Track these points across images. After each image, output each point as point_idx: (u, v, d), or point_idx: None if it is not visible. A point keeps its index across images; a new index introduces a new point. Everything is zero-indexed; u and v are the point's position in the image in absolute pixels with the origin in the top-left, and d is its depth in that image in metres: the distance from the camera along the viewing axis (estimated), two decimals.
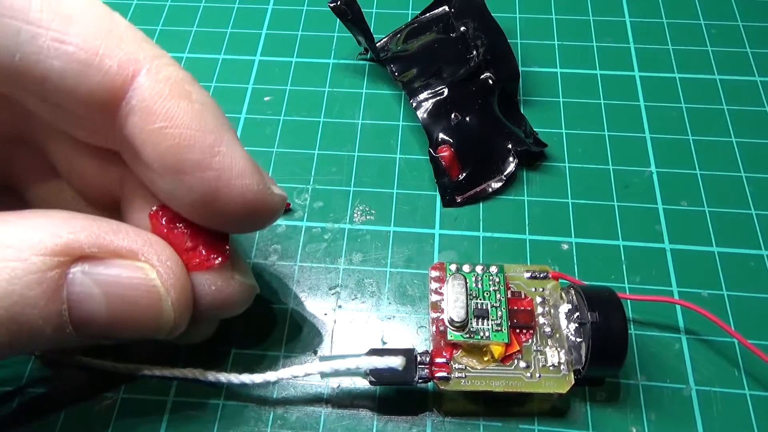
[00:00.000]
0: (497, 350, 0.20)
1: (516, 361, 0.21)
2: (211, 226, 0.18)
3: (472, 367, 0.21)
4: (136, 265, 0.16)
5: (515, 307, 0.22)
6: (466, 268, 0.22)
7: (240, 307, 0.20)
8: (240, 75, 0.31)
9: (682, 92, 0.30)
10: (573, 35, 0.32)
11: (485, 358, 0.21)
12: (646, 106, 0.29)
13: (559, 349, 0.21)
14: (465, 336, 0.21)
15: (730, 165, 0.27)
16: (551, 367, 0.21)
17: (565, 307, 0.21)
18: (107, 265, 0.16)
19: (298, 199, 0.27)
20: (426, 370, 0.20)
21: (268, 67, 0.31)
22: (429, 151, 0.27)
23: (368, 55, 0.31)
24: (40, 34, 0.15)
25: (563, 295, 0.22)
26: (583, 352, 0.20)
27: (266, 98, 0.30)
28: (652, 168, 0.27)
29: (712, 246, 0.25)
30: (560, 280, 0.22)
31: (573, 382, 0.20)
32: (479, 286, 0.22)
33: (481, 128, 0.27)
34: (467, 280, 0.22)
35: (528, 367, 0.21)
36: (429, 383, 0.21)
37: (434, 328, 0.21)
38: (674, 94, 0.30)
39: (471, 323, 0.21)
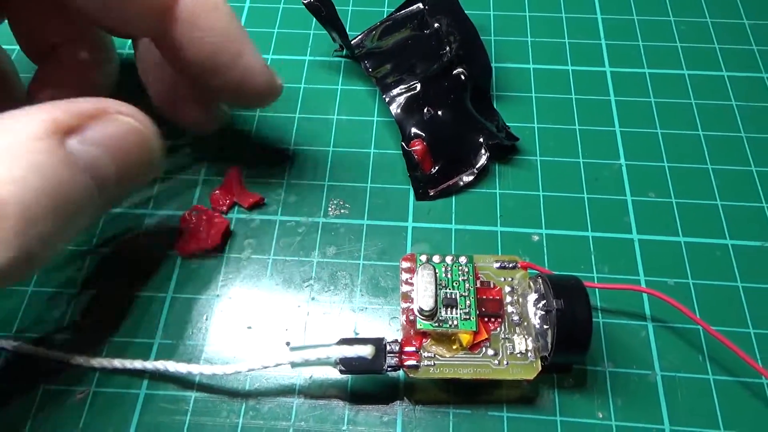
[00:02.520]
0: (465, 338, 0.21)
1: (484, 349, 0.21)
2: (227, 101, 0.26)
3: (440, 356, 0.21)
4: (115, 119, 0.19)
5: (484, 297, 0.22)
6: (436, 258, 0.22)
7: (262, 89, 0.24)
8: None
9: (652, 87, 0.30)
10: (546, 32, 0.33)
11: (454, 347, 0.21)
12: (617, 101, 0.30)
13: (526, 336, 0.21)
14: (434, 325, 0.21)
15: (697, 157, 0.28)
16: (518, 355, 0.21)
17: (533, 296, 0.22)
18: (93, 128, 0.19)
19: (273, 194, 0.27)
20: (395, 359, 0.21)
21: None
22: (402, 145, 0.27)
23: (344, 52, 0.31)
24: None
25: (531, 284, 0.22)
26: (549, 339, 0.21)
27: None
28: (622, 161, 0.28)
29: (679, 236, 0.26)
30: (529, 270, 0.23)
31: (540, 368, 0.21)
32: (449, 276, 0.22)
33: (453, 122, 0.27)
34: (437, 270, 0.22)
35: (496, 354, 0.21)
36: (400, 372, 0.22)
37: (404, 317, 0.22)
38: (644, 88, 0.30)
39: (440, 312, 0.21)
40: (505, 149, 0.28)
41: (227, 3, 0.22)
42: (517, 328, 0.21)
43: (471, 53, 0.28)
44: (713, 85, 0.30)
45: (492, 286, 0.22)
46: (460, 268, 0.22)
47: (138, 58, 0.26)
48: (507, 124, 0.29)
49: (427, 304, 0.21)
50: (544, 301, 0.21)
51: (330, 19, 0.28)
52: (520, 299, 0.22)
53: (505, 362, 0.21)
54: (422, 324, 0.21)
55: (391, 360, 0.21)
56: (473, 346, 0.21)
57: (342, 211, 0.27)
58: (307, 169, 0.28)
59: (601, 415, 0.22)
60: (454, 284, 0.22)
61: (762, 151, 0.28)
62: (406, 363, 0.21)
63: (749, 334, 0.23)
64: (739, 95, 0.30)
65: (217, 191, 0.27)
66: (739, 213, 0.26)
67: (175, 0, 0.21)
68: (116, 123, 0.19)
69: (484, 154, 0.27)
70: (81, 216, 0.18)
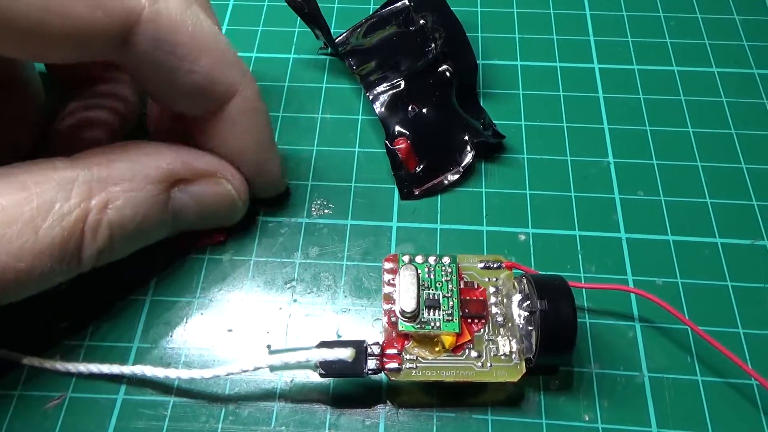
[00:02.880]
0: (448, 340, 0.20)
1: (467, 350, 0.21)
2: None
3: (423, 358, 0.20)
4: (216, 181, 0.22)
5: (467, 297, 0.21)
6: (419, 259, 0.22)
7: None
8: None
9: (641, 84, 0.30)
10: (534, 29, 0.32)
11: (436, 349, 0.21)
12: (605, 98, 0.30)
13: (511, 338, 0.21)
14: (416, 326, 0.20)
15: (686, 155, 0.28)
16: (503, 356, 0.21)
17: (517, 297, 0.21)
18: (197, 184, 0.22)
19: None
20: (376, 362, 0.20)
21: None
22: (386, 144, 0.26)
23: (328, 50, 0.31)
24: (181, 65, 0.20)
25: (516, 284, 0.22)
26: (533, 340, 0.20)
27: None
28: (610, 158, 0.28)
29: (668, 235, 0.25)
30: (514, 270, 0.22)
31: (524, 370, 0.20)
32: (431, 276, 0.22)
33: (438, 120, 0.27)
34: (419, 271, 0.21)
35: (479, 356, 0.20)
36: (382, 375, 0.21)
37: (386, 319, 0.21)
38: (633, 85, 0.30)
39: (422, 314, 0.21)
40: (492, 147, 0.27)
41: (268, 111, 0.23)
42: (501, 329, 0.21)
43: (457, 50, 0.28)
44: (703, 81, 0.30)
45: (476, 286, 0.22)
46: (444, 268, 0.22)
47: (149, 114, 0.26)
48: (494, 121, 0.28)
49: (409, 305, 0.20)
50: (529, 301, 0.21)
51: (313, 16, 0.28)
52: (505, 300, 0.21)
53: (488, 364, 0.20)
54: (404, 326, 0.20)
55: (371, 363, 0.20)
56: (456, 348, 0.21)
57: (325, 211, 0.26)
58: (290, 168, 0.27)
59: (587, 418, 0.21)
60: (437, 285, 0.21)
61: (752, 148, 0.28)
62: (387, 366, 0.20)
63: (738, 333, 0.23)
64: (729, 91, 0.30)
65: None
66: (728, 211, 0.26)
67: (230, 97, 0.21)
68: (218, 187, 0.22)
69: (470, 153, 0.26)
70: (145, 241, 0.22)
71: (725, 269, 0.24)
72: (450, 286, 0.21)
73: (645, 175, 0.27)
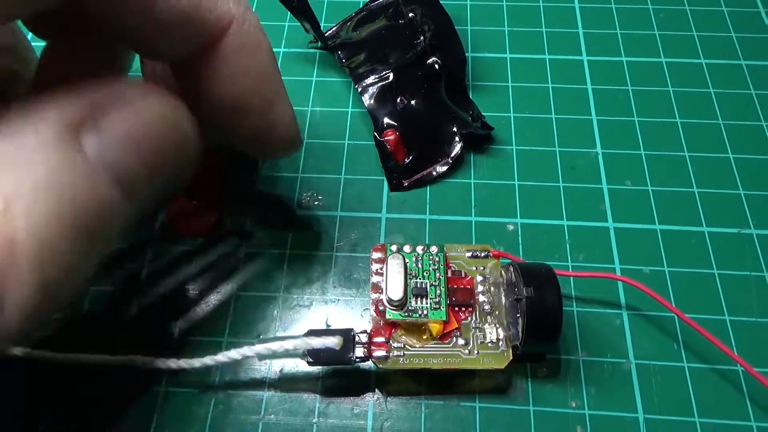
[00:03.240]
0: (435, 328, 0.21)
1: (455, 338, 0.21)
2: (240, 148, 0.21)
3: (410, 346, 0.21)
4: (134, 103, 0.16)
5: (455, 286, 0.22)
6: (406, 248, 0.22)
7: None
8: None
9: (629, 75, 0.30)
10: (523, 21, 0.32)
11: (424, 337, 0.21)
12: (593, 89, 0.30)
13: (497, 326, 0.21)
14: (403, 315, 0.21)
15: (674, 145, 0.28)
16: (490, 344, 0.21)
17: (504, 285, 0.22)
18: (110, 119, 0.15)
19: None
20: (364, 350, 0.20)
21: None
22: (374, 135, 0.27)
23: (319, 44, 0.31)
24: None
25: (503, 273, 0.22)
26: (520, 327, 0.20)
27: None
28: (598, 149, 0.28)
29: (655, 224, 0.26)
30: (501, 259, 0.22)
31: (511, 357, 0.21)
32: (419, 265, 0.22)
33: (426, 112, 0.27)
34: (406, 260, 0.22)
35: (467, 344, 0.21)
36: (371, 364, 0.21)
37: (374, 308, 0.21)
38: (621, 77, 0.30)
39: (409, 302, 0.21)
40: (480, 139, 0.28)
41: (270, 46, 0.19)
42: (488, 317, 0.21)
43: (445, 42, 0.28)
44: (691, 72, 0.30)
45: (463, 275, 0.22)
46: (431, 257, 0.22)
47: (145, 77, 0.22)
48: (483, 113, 0.28)
49: (396, 293, 0.21)
50: (515, 289, 0.21)
51: (302, 10, 0.28)
52: (492, 288, 0.22)
53: (475, 352, 0.21)
54: (391, 314, 0.21)
55: (359, 351, 0.20)
56: (443, 336, 0.21)
57: (315, 202, 0.26)
58: (280, 161, 0.27)
59: (574, 404, 0.22)
60: (425, 274, 0.22)
61: (739, 138, 0.28)
62: (374, 354, 0.20)
63: (725, 321, 0.23)
64: (717, 82, 0.30)
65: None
66: (715, 200, 0.26)
67: (224, 31, 0.17)
68: (136, 109, 0.16)
69: (458, 144, 0.27)
70: (109, 230, 0.15)
71: (712, 258, 0.25)
72: (437, 274, 0.22)
73: (633, 166, 0.27)
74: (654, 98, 0.29)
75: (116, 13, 0.15)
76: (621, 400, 0.22)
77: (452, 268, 0.22)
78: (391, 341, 0.21)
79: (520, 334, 0.20)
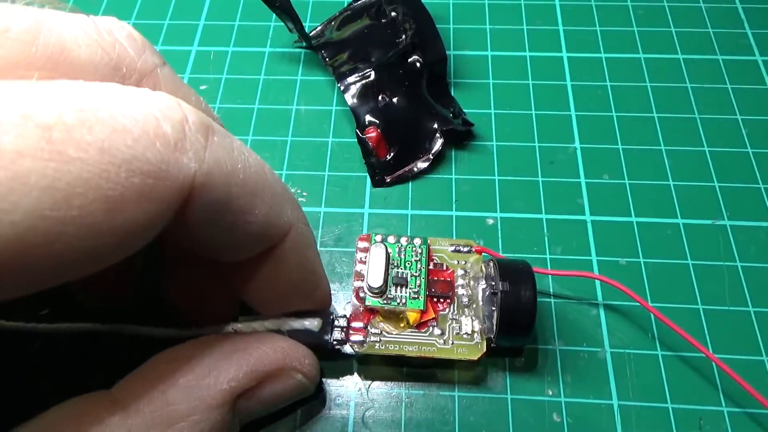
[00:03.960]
0: (412, 316, 0.21)
1: (431, 328, 0.21)
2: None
3: (387, 332, 0.21)
4: (286, 376, 0.19)
5: (435, 278, 0.22)
6: (391, 239, 0.23)
7: None
8: (176, 65, 0.31)
9: (608, 71, 0.31)
10: (504, 19, 0.33)
11: (401, 324, 0.21)
12: (573, 85, 0.30)
13: (474, 318, 0.22)
14: (382, 302, 0.21)
15: (651, 139, 0.28)
16: (465, 335, 0.21)
17: (483, 279, 0.22)
18: (265, 388, 0.19)
19: None
20: (342, 333, 0.21)
21: (205, 56, 0.32)
22: (356, 133, 0.27)
23: (303, 43, 0.31)
24: (234, 218, 0.15)
25: (483, 268, 0.22)
26: (494, 320, 0.21)
27: (202, 87, 0.30)
28: (577, 144, 0.28)
29: (631, 216, 0.26)
30: (483, 254, 0.23)
31: (485, 350, 0.21)
32: (402, 256, 0.22)
33: (407, 109, 0.27)
34: (390, 250, 0.22)
35: (442, 334, 0.21)
36: (350, 349, 0.21)
37: (354, 294, 0.22)
38: (600, 73, 0.31)
39: (390, 290, 0.21)
40: (461, 135, 0.28)
41: (314, 237, 0.20)
42: (465, 309, 0.22)
43: (426, 41, 0.29)
44: (669, 68, 0.31)
45: (445, 268, 0.23)
46: (414, 249, 0.22)
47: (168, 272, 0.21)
48: (464, 110, 0.29)
49: (376, 281, 0.21)
50: (493, 283, 0.22)
51: (285, 9, 0.28)
52: (472, 282, 0.22)
53: (450, 342, 0.21)
54: (371, 301, 0.21)
55: (337, 334, 0.21)
56: (420, 325, 0.21)
57: (300, 199, 0.27)
58: (265, 159, 0.28)
59: (551, 392, 0.22)
60: (407, 264, 0.22)
61: (715, 131, 0.28)
62: (352, 338, 0.21)
63: (698, 310, 0.24)
64: (694, 77, 0.30)
65: None
66: (690, 192, 0.27)
67: (284, 237, 0.18)
68: (289, 381, 0.19)
69: (439, 140, 0.27)
70: None
71: (686, 248, 0.25)
72: (419, 266, 0.22)
73: (610, 160, 0.28)
74: (632, 93, 0.30)
75: (192, 241, 0.16)
76: (596, 387, 0.22)
77: (435, 261, 0.23)
78: (369, 327, 0.21)
79: (494, 327, 0.21)
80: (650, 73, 0.31)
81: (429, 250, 0.23)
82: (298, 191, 0.27)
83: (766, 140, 0.28)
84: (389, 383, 0.22)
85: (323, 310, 0.21)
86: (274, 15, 0.32)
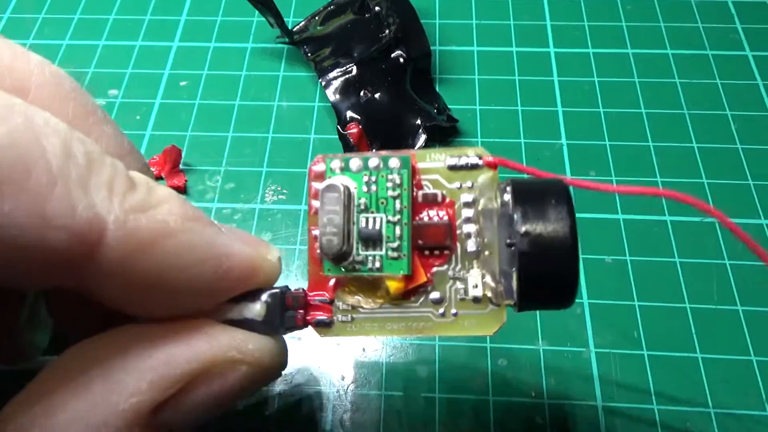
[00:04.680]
0: (393, 285, 0.15)
1: (423, 295, 0.15)
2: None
3: (361, 307, 0.15)
4: (226, 370, 0.14)
5: (425, 218, 0.15)
6: (354, 165, 0.15)
7: None
8: (157, 61, 0.31)
9: (595, 67, 0.30)
10: (491, 14, 0.32)
11: (379, 295, 0.15)
12: (560, 81, 0.30)
13: (486, 273, 0.15)
14: (345, 269, 0.15)
15: (638, 135, 0.28)
16: (473, 301, 0.15)
17: (499, 212, 0.14)
18: (195, 394, 0.14)
19: (209, 181, 0.27)
20: (299, 314, 0.15)
21: (186, 52, 0.31)
22: (337, 129, 0.27)
23: (286, 39, 0.31)
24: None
25: (498, 194, 0.14)
26: (514, 282, 0.14)
27: (182, 83, 0.30)
28: (563, 140, 0.28)
29: (617, 214, 0.26)
30: (499, 169, 0.15)
31: (503, 319, 0.15)
32: (372, 190, 0.15)
33: (390, 105, 0.27)
34: (352, 189, 0.15)
35: (441, 301, 0.15)
36: (315, 334, 0.16)
37: (311, 255, 0.15)
38: (587, 68, 0.30)
39: (356, 250, 0.15)
40: (445, 131, 0.28)
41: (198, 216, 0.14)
42: (474, 261, 0.15)
43: (410, 36, 0.28)
44: (657, 63, 0.30)
45: (440, 199, 0.15)
46: (390, 177, 0.15)
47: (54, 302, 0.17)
48: (449, 106, 0.28)
49: (330, 244, 0.14)
50: (513, 219, 0.14)
51: (265, 4, 0.28)
52: (482, 218, 0.15)
53: (453, 311, 0.15)
54: (329, 269, 0.15)
55: (290, 319, 0.15)
56: (408, 293, 0.15)
57: (279, 196, 0.26)
58: (245, 155, 0.27)
59: (533, 394, 0.22)
60: (380, 204, 0.15)
61: (704, 127, 0.28)
62: (314, 320, 0.15)
63: (685, 308, 0.23)
64: (682, 73, 0.30)
65: (150, 160, 0.26)
66: (678, 189, 0.26)
67: (95, 252, 0.12)
68: (230, 378, 0.14)
69: (422, 136, 0.27)
70: None
71: (674, 246, 0.25)
72: (398, 204, 0.15)
73: (597, 156, 0.27)
74: (620, 89, 0.29)
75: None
76: (580, 389, 0.22)
77: (424, 190, 0.15)
78: (335, 301, 0.15)
79: (515, 291, 0.14)
80: (638, 69, 0.30)
81: (414, 174, 0.15)
82: (279, 188, 0.26)
83: (756, 136, 0.28)
84: (368, 385, 0.22)
85: (267, 284, 0.15)
86: (257, 11, 0.32)
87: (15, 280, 0.12)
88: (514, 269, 0.14)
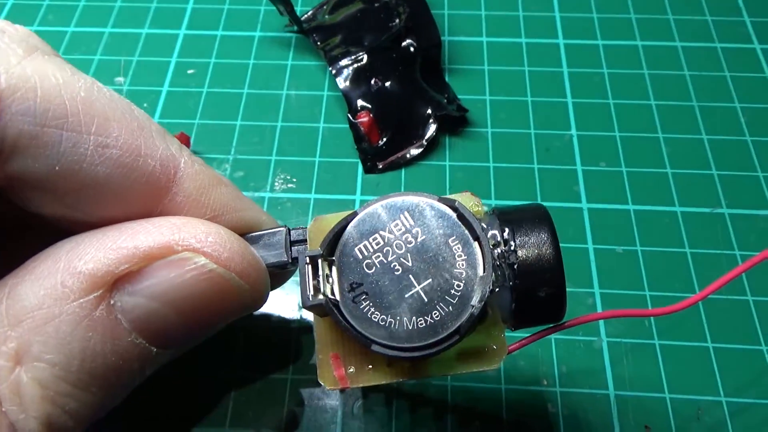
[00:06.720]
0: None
1: None
2: None
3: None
4: (179, 259, 0.14)
5: None
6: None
7: None
8: (164, 49, 0.30)
9: (605, 58, 0.30)
10: (500, 5, 0.32)
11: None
12: (569, 73, 0.30)
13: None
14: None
15: (648, 127, 0.28)
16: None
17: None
18: (149, 276, 0.14)
19: (218, 170, 0.26)
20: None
21: (193, 40, 0.31)
22: (348, 117, 0.26)
23: (294, 27, 0.31)
24: (82, 140, 0.14)
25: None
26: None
27: (189, 71, 0.30)
28: (573, 131, 0.28)
29: (628, 204, 0.26)
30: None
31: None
32: None
33: (401, 94, 0.27)
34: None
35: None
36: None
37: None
38: (597, 60, 0.30)
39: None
40: (455, 121, 0.27)
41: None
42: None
43: (420, 25, 0.28)
44: (666, 55, 0.30)
45: None
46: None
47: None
48: (458, 96, 0.28)
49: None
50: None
51: None
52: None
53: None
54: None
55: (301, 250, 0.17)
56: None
57: (289, 185, 0.26)
58: (254, 144, 0.27)
59: (545, 382, 0.22)
60: None
61: (713, 119, 0.28)
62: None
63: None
64: (692, 65, 0.30)
65: None
66: (688, 180, 0.26)
67: (172, 180, 0.15)
68: (182, 267, 0.14)
69: (433, 126, 0.26)
70: (131, 378, 0.15)
71: (684, 237, 0.25)
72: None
73: (607, 147, 0.27)
74: (629, 81, 0.29)
75: (62, 183, 0.14)
76: (592, 377, 0.22)
77: None
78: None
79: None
80: (648, 61, 0.30)
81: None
82: (288, 177, 0.26)
83: (765, 128, 0.28)
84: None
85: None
86: None
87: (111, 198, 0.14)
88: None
